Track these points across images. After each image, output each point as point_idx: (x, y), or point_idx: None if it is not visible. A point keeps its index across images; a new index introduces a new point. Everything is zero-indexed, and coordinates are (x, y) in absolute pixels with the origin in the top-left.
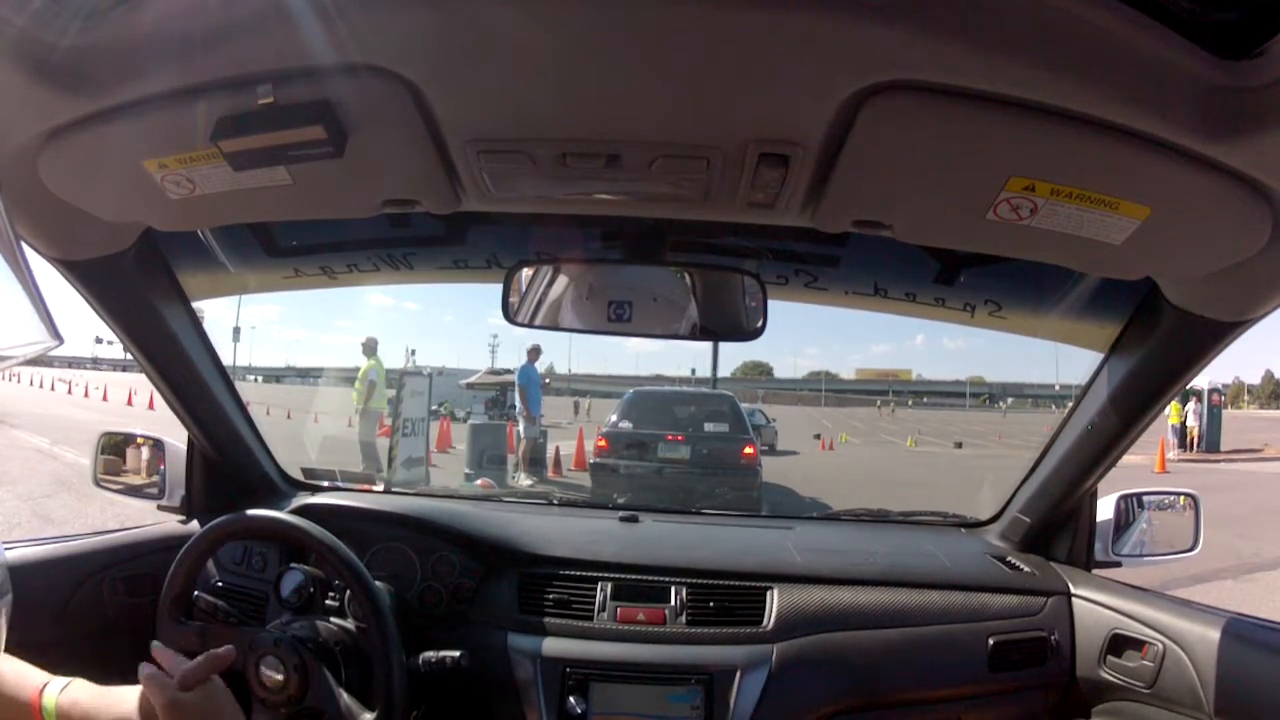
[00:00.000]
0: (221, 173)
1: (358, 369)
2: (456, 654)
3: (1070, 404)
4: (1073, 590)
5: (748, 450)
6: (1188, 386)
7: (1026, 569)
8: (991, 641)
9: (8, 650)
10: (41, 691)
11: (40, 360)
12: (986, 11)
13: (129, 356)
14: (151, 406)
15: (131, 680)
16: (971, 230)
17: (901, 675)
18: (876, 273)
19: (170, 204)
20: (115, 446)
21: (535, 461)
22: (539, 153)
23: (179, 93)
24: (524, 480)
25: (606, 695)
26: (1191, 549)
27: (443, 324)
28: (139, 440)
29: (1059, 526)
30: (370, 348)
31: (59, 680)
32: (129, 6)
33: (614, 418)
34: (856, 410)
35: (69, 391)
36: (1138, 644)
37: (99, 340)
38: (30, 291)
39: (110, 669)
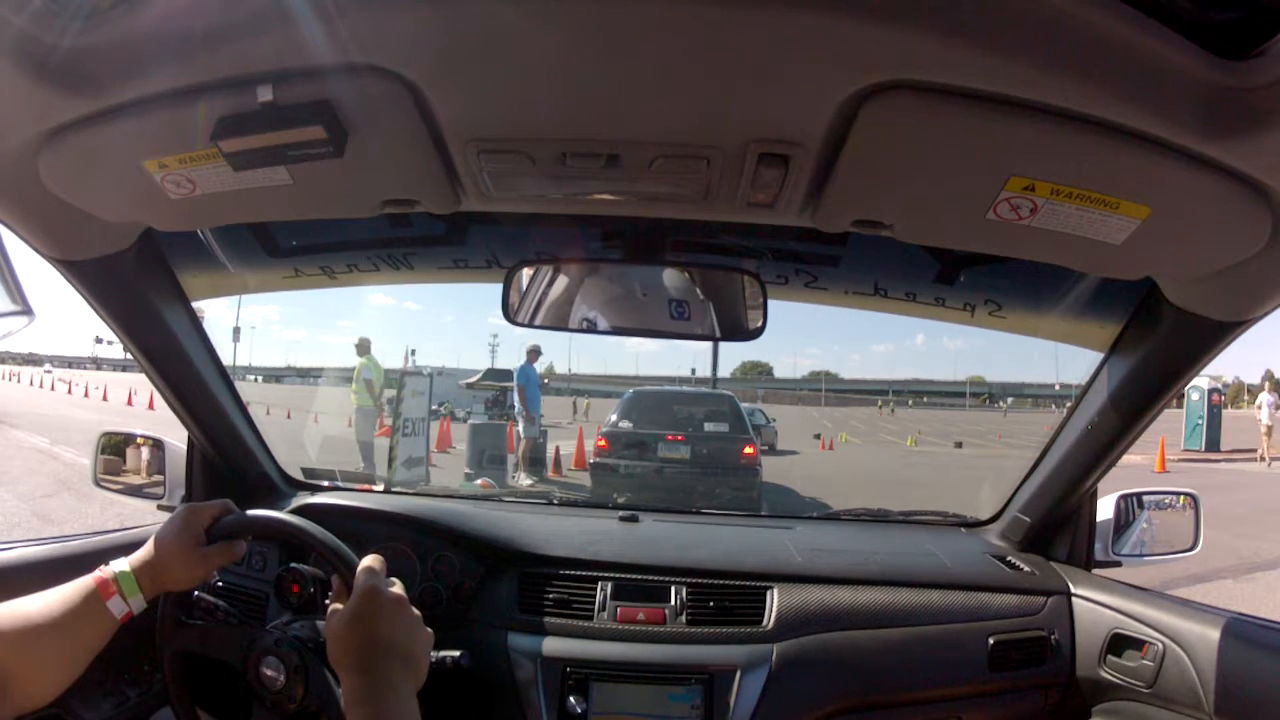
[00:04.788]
0: (221, 173)
1: (354, 369)
2: (456, 654)
3: (1070, 404)
4: (1073, 590)
5: (748, 450)
6: (1260, 382)
7: (1026, 568)
8: (991, 641)
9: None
10: (105, 571)
11: (39, 361)
12: (986, 11)
13: (129, 356)
14: (151, 406)
15: (131, 678)
16: (971, 230)
17: (901, 675)
18: (876, 273)
19: (170, 204)
20: (115, 446)
21: (535, 461)
22: (539, 153)
23: (179, 93)
24: (524, 480)
25: (606, 695)
26: (1191, 549)
27: (443, 324)
28: (139, 440)
29: (1059, 526)
30: (363, 347)
31: (115, 561)
32: (129, 6)
33: (614, 417)
34: (856, 410)
35: (69, 391)
36: (1138, 643)
37: (99, 340)
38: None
39: (111, 668)
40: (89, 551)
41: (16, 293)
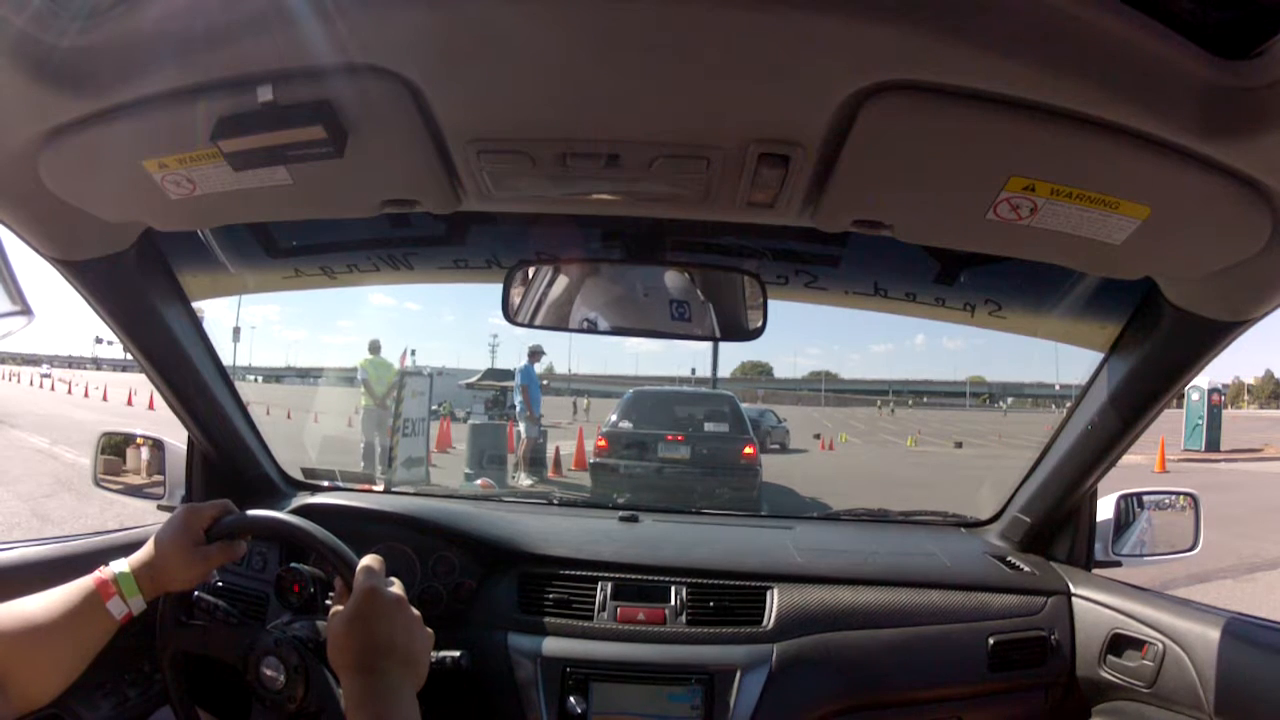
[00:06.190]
0: (221, 173)
1: (356, 369)
2: (456, 654)
3: (1070, 404)
4: (1073, 590)
5: (747, 450)
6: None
7: (1026, 569)
8: (991, 641)
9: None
10: (105, 572)
11: (37, 361)
12: (986, 11)
13: (129, 356)
14: (151, 406)
15: (131, 678)
16: (971, 230)
17: (901, 675)
18: (876, 273)
19: (170, 204)
20: (115, 446)
21: (535, 461)
22: (539, 153)
23: (179, 93)
24: (524, 480)
25: (606, 695)
26: (1191, 549)
27: (443, 324)
28: (139, 440)
29: (1059, 526)
30: (369, 348)
31: (115, 562)
32: (129, 6)
33: (614, 417)
34: (856, 410)
35: (69, 391)
36: (1138, 644)
37: (99, 340)
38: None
39: (111, 668)
40: (89, 552)
41: (15, 292)
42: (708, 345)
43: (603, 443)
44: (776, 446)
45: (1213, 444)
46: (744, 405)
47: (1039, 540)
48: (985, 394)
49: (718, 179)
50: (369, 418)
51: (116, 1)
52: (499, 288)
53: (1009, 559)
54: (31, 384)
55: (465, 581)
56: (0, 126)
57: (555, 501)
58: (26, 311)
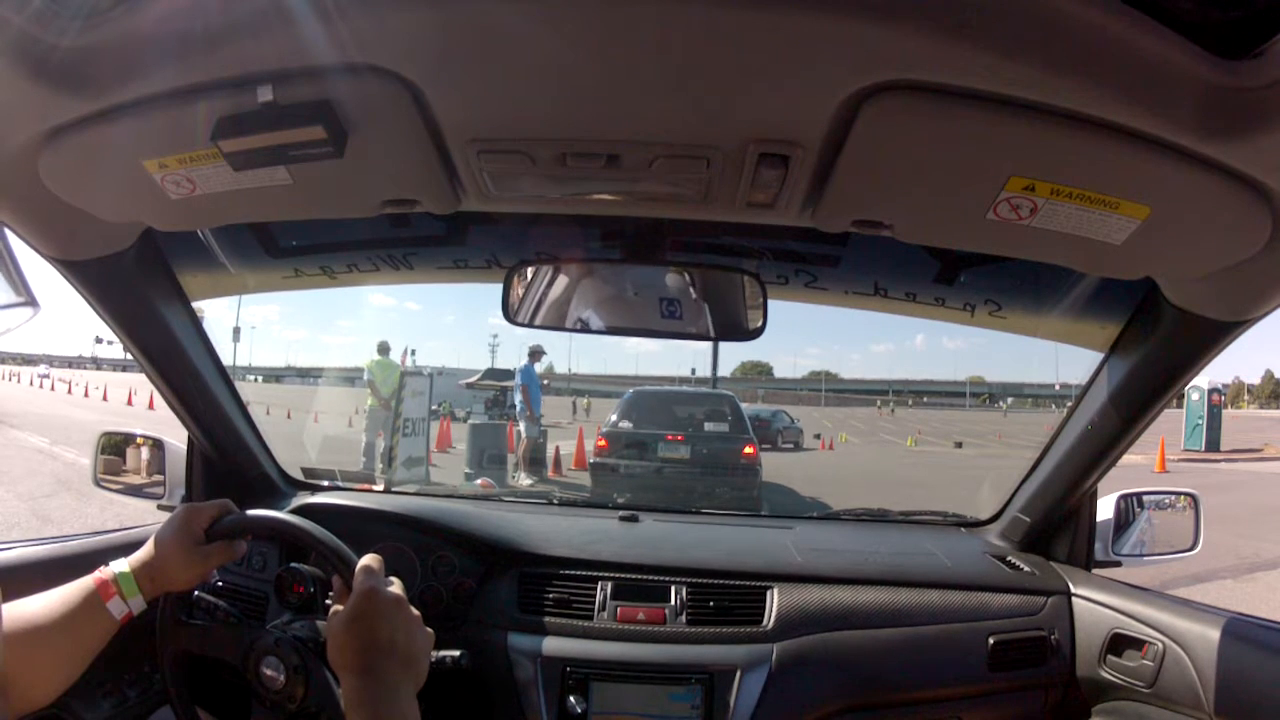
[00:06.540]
0: (221, 173)
1: (359, 369)
2: (456, 654)
3: (1070, 404)
4: (1073, 590)
5: (747, 450)
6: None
7: (1026, 568)
8: (991, 641)
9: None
10: (105, 572)
11: (35, 361)
12: (986, 11)
13: (129, 356)
14: (151, 406)
15: (131, 678)
16: (972, 230)
17: (901, 675)
18: (876, 273)
19: (170, 204)
20: (115, 446)
21: (535, 461)
22: (539, 153)
23: (179, 93)
24: (524, 480)
25: (607, 695)
26: (1191, 549)
27: (443, 324)
28: (139, 440)
29: (1059, 526)
30: (378, 349)
31: (115, 562)
32: (129, 6)
33: (614, 417)
34: (856, 410)
35: (69, 391)
36: (1138, 643)
37: (99, 340)
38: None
39: (111, 668)
40: (89, 551)
41: (20, 284)
42: (708, 345)
43: (603, 442)
44: (790, 445)
45: (1213, 444)
46: (756, 405)
47: (1039, 540)
48: (985, 394)
49: (718, 179)
50: (374, 418)
51: (116, 1)
52: (499, 288)
53: (1009, 559)
54: (31, 384)
55: (465, 581)
56: (0, 126)
57: (555, 501)
58: (32, 303)
